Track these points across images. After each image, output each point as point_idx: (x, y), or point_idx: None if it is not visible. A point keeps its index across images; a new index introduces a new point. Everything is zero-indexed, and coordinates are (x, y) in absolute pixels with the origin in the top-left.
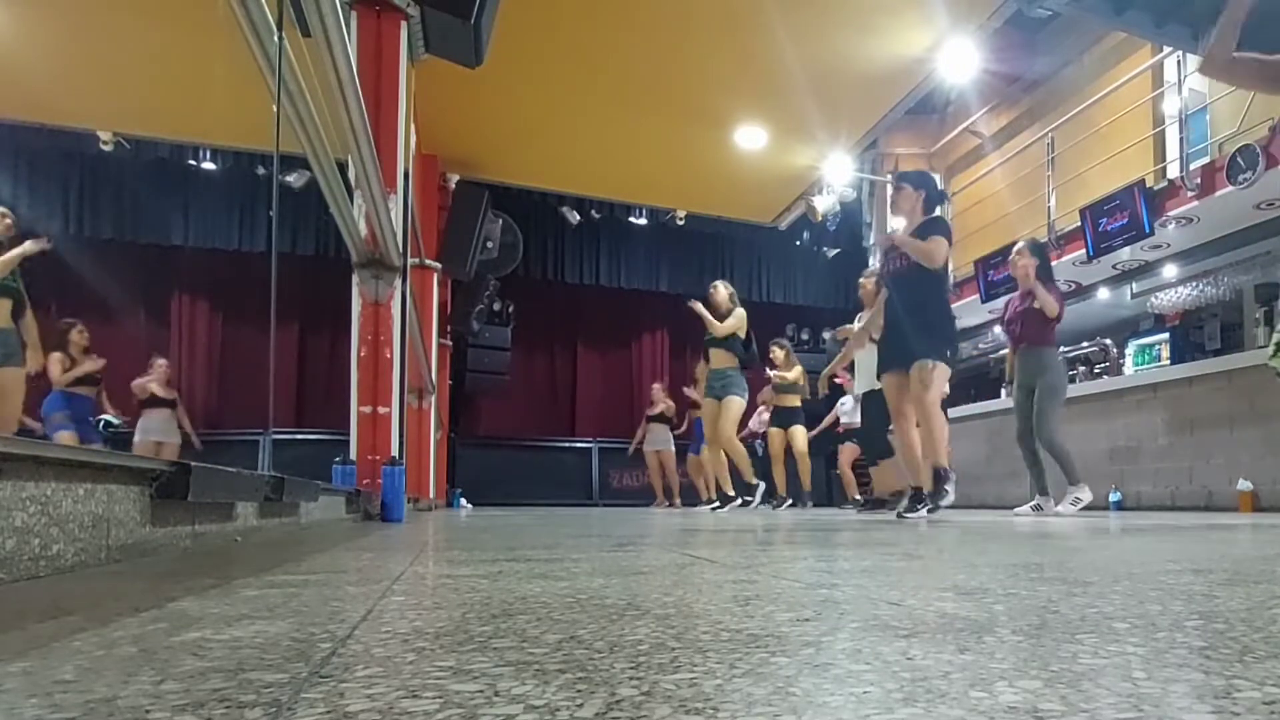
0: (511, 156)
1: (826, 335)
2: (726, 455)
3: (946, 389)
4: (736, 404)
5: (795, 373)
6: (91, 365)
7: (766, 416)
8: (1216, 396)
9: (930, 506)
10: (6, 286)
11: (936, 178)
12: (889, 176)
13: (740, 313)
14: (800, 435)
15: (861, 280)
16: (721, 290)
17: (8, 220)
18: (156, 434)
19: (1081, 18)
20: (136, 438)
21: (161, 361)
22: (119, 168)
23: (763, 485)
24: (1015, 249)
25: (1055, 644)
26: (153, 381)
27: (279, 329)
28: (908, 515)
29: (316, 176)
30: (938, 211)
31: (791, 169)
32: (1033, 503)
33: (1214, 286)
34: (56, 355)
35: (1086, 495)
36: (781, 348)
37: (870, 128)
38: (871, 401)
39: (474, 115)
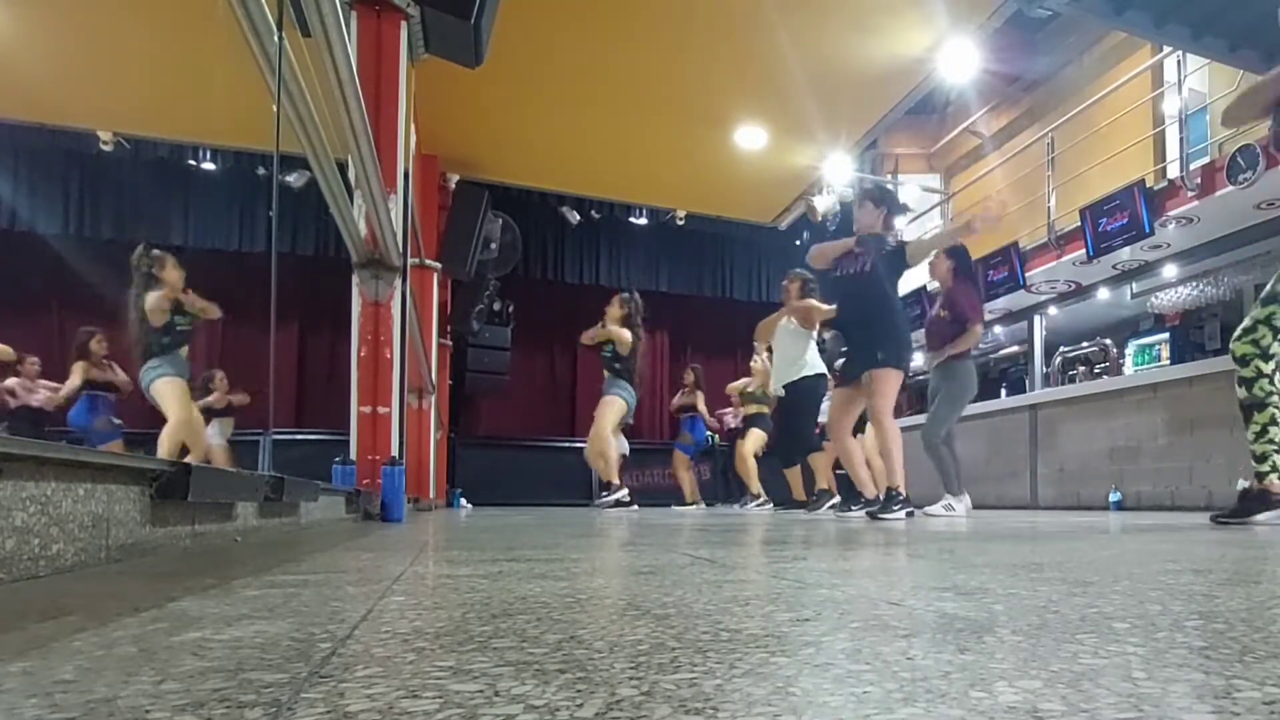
0: (511, 156)
1: (827, 335)
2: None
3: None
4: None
5: (756, 383)
6: (118, 378)
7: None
8: (1216, 396)
9: (872, 513)
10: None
11: (940, 186)
12: (889, 177)
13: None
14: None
15: (785, 284)
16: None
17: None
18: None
19: (1081, 18)
20: (219, 441)
21: (220, 374)
22: (119, 168)
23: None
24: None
25: (1055, 644)
26: (220, 393)
27: (279, 329)
28: (844, 514)
29: (316, 176)
30: (895, 225)
31: (791, 169)
32: (944, 501)
33: (1214, 286)
34: (80, 365)
35: (960, 507)
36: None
37: (870, 128)
38: (791, 395)
39: (474, 115)
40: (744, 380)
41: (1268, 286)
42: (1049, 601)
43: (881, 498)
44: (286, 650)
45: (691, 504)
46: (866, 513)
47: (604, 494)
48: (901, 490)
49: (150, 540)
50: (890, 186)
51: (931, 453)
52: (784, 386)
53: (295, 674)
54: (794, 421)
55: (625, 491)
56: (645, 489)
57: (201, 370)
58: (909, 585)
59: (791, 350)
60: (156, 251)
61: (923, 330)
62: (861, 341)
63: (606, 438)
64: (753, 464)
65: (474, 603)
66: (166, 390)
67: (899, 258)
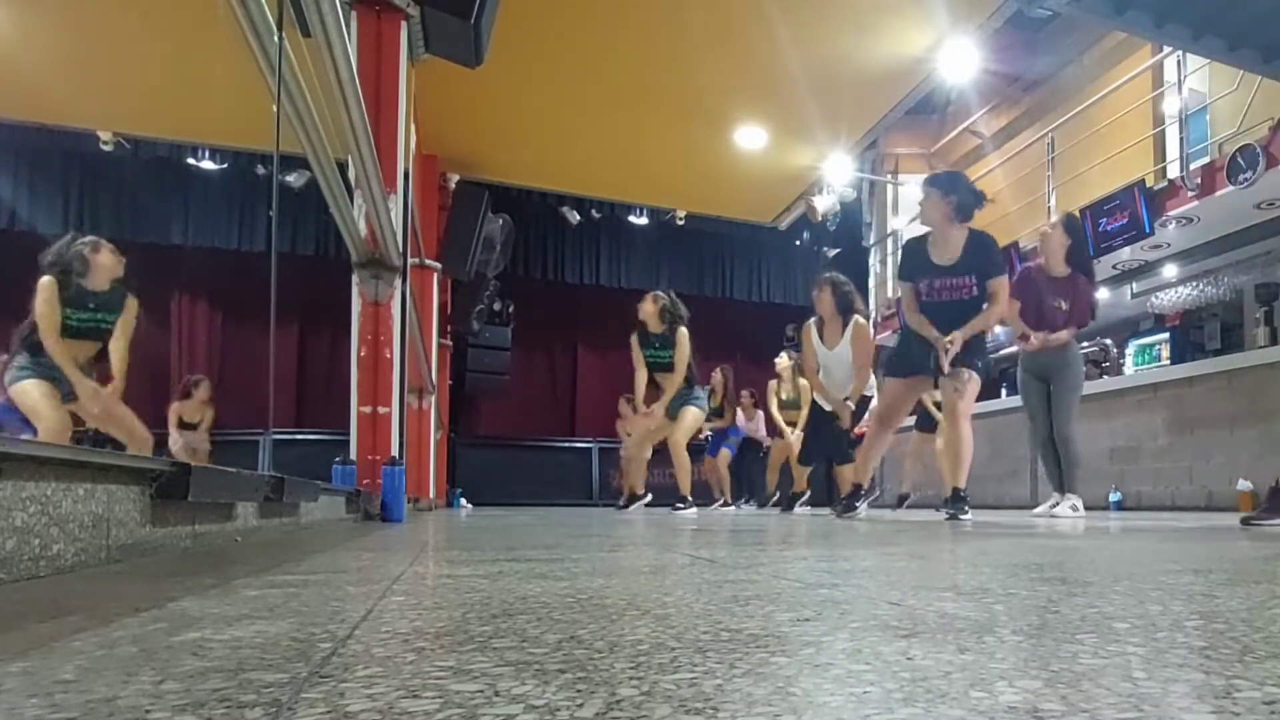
0: (511, 156)
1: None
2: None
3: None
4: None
5: (788, 388)
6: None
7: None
8: (1216, 396)
9: (949, 514)
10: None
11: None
12: (889, 177)
13: (683, 334)
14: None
15: (816, 292)
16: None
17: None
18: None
19: (1081, 18)
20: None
21: (205, 382)
22: (119, 168)
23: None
24: (1050, 223)
25: (1055, 644)
26: (193, 405)
27: (279, 329)
28: (844, 515)
29: (316, 176)
30: (974, 218)
31: (791, 169)
32: (1070, 502)
33: (1214, 286)
34: None
35: (1081, 505)
36: (791, 358)
37: (870, 128)
38: (822, 417)
39: (474, 115)
40: (775, 383)
41: None
42: (1049, 601)
43: (949, 498)
44: (287, 650)
45: (724, 504)
46: (946, 514)
47: (679, 505)
48: (963, 488)
49: (150, 540)
50: (891, 186)
51: (1064, 446)
52: (815, 408)
53: (295, 674)
54: (836, 436)
55: (649, 495)
56: (656, 487)
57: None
58: (909, 585)
59: (843, 376)
60: (90, 238)
61: (1020, 307)
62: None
63: (683, 457)
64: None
65: (474, 603)
66: (22, 398)
67: (987, 267)
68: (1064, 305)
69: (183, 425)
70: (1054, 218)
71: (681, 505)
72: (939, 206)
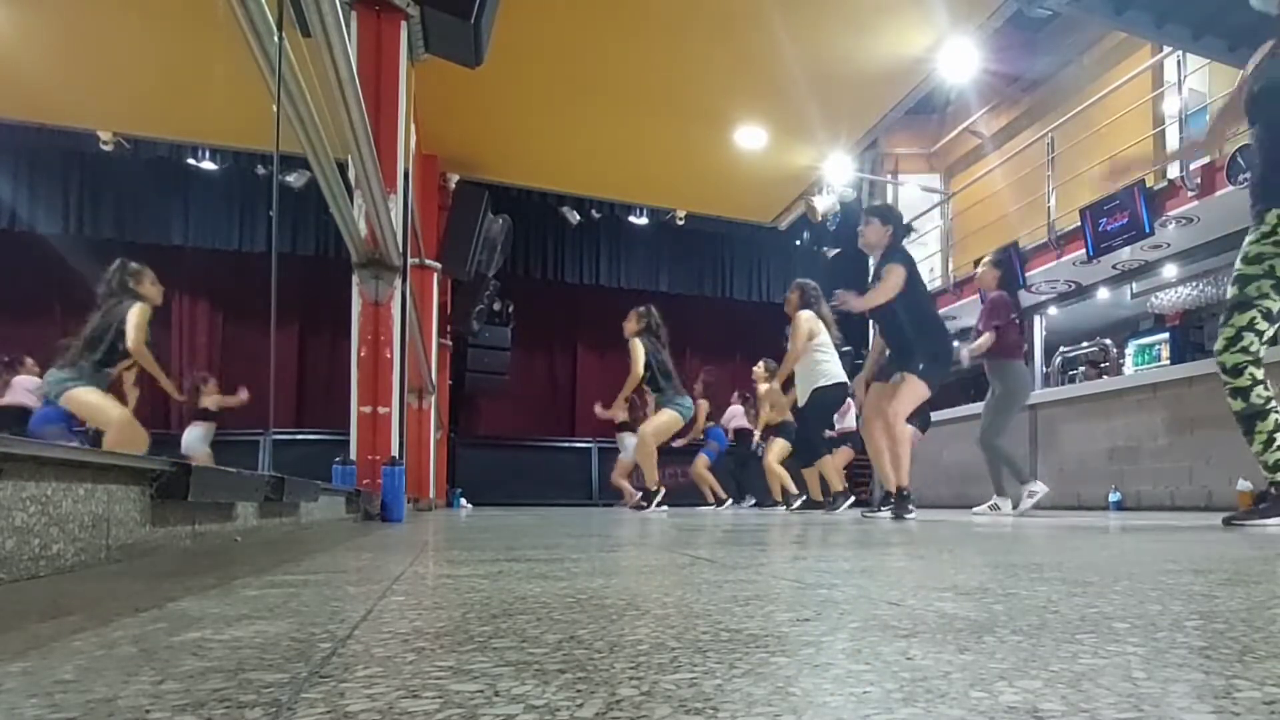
0: (511, 156)
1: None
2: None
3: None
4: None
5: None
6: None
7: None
8: (1216, 396)
9: (895, 515)
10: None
11: (940, 186)
12: (889, 178)
13: (635, 344)
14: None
15: (788, 294)
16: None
17: None
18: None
19: (1081, 18)
20: (203, 449)
21: (211, 377)
22: (119, 168)
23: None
24: (983, 262)
25: (1055, 644)
26: (207, 396)
27: (279, 329)
28: (871, 515)
29: (316, 176)
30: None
31: (791, 169)
32: (990, 502)
33: (1214, 286)
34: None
35: (1040, 489)
36: (768, 369)
37: (870, 128)
38: (809, 403)
39: (474, 115)
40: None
41: (1232, 293)
42: (1049, 601)
43: (894, 498)
44: (286, 650)
45: (716, 504)
46: (891, 514)
47: (643, 502)
48: (906, 486)
49: (150, 540)
50: (891, 186)
51: (987, 454)
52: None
53: (295, 674)
54: (806, 427)
55: (657, 494)
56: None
57: (192, 372)
58: (909, 585)
59: (806, 363)
60: (134, 265)
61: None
62: (899, 347)
63: (646, 446)
64: (781, 471)
65: (474, 603)
66: (93, 400)
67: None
68: (980, 325)
69: (204, 418)
70: (987, 257)
71: (645, 504)
72: (879, 232)
